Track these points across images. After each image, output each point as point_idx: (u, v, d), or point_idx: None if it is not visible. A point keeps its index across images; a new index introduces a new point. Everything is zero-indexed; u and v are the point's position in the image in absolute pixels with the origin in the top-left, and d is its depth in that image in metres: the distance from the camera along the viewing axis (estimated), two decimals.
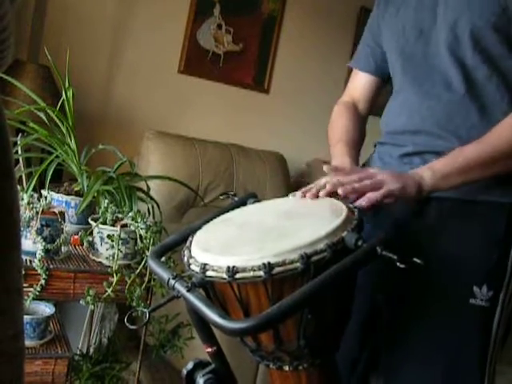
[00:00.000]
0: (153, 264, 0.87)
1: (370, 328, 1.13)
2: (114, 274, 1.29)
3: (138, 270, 1.32)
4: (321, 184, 0.93)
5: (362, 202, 0.89)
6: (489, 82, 1.00)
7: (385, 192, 0.90)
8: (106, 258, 1.33)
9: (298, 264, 0.72)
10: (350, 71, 1.33)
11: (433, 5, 1.05)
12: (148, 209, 1.52)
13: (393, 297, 1.08)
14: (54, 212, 1.30)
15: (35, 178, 1.36)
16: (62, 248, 1.33)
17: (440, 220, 1.03)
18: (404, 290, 1.05)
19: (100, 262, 1.35)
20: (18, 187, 1.11)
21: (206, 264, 0.76)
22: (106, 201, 1.37)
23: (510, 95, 1.00)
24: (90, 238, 1.38)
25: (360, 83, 1.26)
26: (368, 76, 1.24)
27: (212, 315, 0.70)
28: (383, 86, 1.26)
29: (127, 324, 0.82)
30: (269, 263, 0.72)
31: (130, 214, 1.34)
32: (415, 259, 0.73)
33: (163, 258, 1.22)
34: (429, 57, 1.06)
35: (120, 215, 1.35)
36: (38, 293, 1.24)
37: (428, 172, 0.96)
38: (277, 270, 0.72)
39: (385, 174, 0.94)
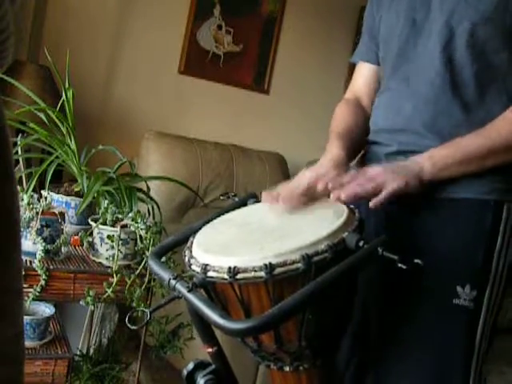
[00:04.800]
0: (153, 264, 0.86)
1: (360, 329, 1.13)
2: (114, 275, 1.29)
3: (138, 271, 1.32)
4: (300, 185, 0.92)
5: (371, 205, 0.90)
6: (474, 81, 0.99)
7: (388, 193, 0.90)
8: (106, 258, 1.33)
9: (300, 264, 0.72)
10: (350, 71, 1.33)
11: None
12: (148, 209, 1.51)
13: (380, 298, 1.08)
14: (53, 212, 1.30)
15: (35, 179, 1.36)
16: (62, 248, 1.33)
17: (425, 218, 1.02)
18: (391, 291, 1.04)
19: (100, 263, 1.34)
20: (18, 188, 1.12)
21: (207, 264, 0.76)
22: (106, 201, 1.37)
23: (492, 96, 1.00)
24: (90, 239, 1.37)
25: (363, 77, 1.24)
26: (371, 66, 1.23)
27: (213, 316, 0.69)
28: None
29: (128, 324, 0.82)
30: (270, 264, 0.72)
31: (130, 214, 1.34)
32: (416, 260, 0.73)
33: (163, 259, 1.22)
34: (419, 51, 1.05)
35: (120, 216, 1.35)
36: (37, 293, 1.24)
37: (428, 162, 0.95)
38: (278, 270, 0.72)
39: (385, 173, 0.93)
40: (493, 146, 0.95)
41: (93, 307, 1.35)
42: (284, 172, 2.88)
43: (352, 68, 1.31)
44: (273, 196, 0.91)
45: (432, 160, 0.96)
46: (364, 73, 1.24)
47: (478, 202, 1.00)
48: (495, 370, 1.03)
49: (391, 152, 1.07)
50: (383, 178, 0.92)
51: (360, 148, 1.16)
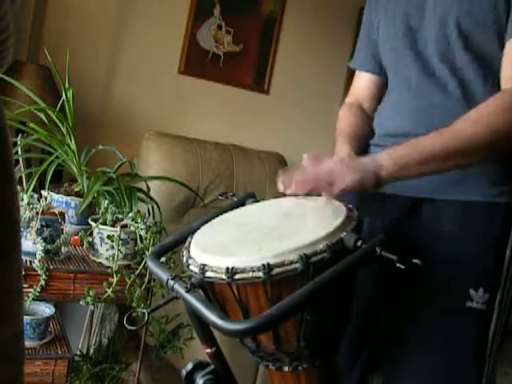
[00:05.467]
0: (152, 265, 0.87)
1: (366, 330, 1.13)
2: (114, 275, 1.29)
3: (138, 271, 1.32)
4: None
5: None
6: (480, 84, 0.99)
7: (339, 188, 0.89)
8: (106, 258, 1.33)
9: (298, 265, 0.72)
10: (350, 71, 1.33)
11: (421, 2, 1.04)
12: (148, 209, 1.52)
13: (390, 299, 1.08)
14: (53, 212, 1.30)
15: (35, 179, 1.36)
16: (62, 248, 1.33)
17: (436, 221, 1.02)
18: (401, 292, 1.04)
19: (100, 263, 1.35)
20: (18, 188, 1.12)
21: (205, 265, 0.76)
22: (106, 201, 1.37)
23: None
24: (90, 239, 1.38)
25: (363, 83, 1.25)
26: (370, 75, 1.23)
27: (211, 316, 0.70)
28: (387, 83, 1.24)
29: (126, 325, 0.82)
30: (268, 264, 0.72)
31: (130, 214, 1.34)
32: (415, 260, 0.73)
33: (163, 259, 1.23)
34: (417, 56, 1.04)
35: (120, 216, 1.35)
36: (37, 293, 1.24)
37: (388, 160, 0.92)
38: (276, 270, 0.72)
39: (343, 166, 0.91)
40: (456, 147, 0.91)
41: (93, 307, 1.35)
42: None
43: (351, 69, 1.31)
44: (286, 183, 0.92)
45: (393, 158, 0.92)
46: (364, 80, 1.25)
47: (489, 204, 1.00)
48: (498, 370, 1.03)
49: None
50: (340, 171, 0.90)
51: (364, 152, 1.17)
